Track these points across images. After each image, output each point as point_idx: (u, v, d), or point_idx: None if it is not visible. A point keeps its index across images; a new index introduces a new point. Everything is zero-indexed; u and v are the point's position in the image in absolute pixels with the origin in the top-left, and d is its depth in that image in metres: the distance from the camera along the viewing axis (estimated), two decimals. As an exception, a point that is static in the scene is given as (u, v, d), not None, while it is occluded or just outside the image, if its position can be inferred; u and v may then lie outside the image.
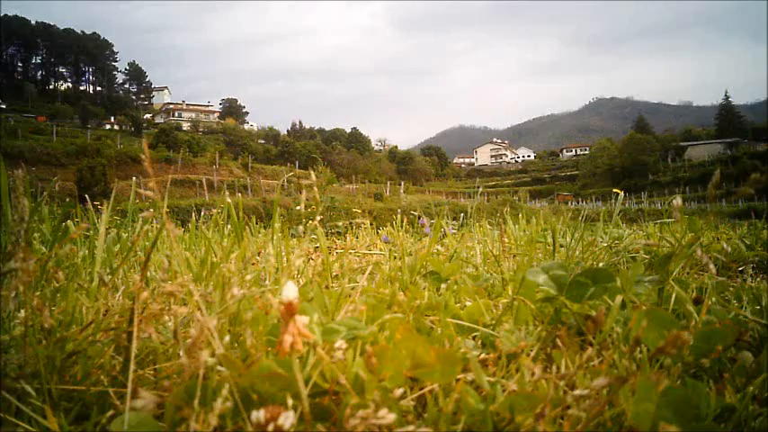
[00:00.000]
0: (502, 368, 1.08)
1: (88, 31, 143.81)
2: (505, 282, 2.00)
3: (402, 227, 4.68)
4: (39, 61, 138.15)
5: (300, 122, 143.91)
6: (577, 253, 2.75)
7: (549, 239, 2.93)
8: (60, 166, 49.98)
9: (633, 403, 0.80)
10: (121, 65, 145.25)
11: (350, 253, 3.78)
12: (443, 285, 2.03)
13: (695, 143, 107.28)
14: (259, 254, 2.96)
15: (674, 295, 1.35)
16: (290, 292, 0.77)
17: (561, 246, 2.86)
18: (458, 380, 0.93)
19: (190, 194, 42.01)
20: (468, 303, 1.52)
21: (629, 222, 6.22)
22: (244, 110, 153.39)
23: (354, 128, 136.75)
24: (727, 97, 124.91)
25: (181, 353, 0.97)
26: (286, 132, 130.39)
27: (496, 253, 2.72)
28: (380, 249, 4.00)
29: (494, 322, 1.29)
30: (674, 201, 1.53)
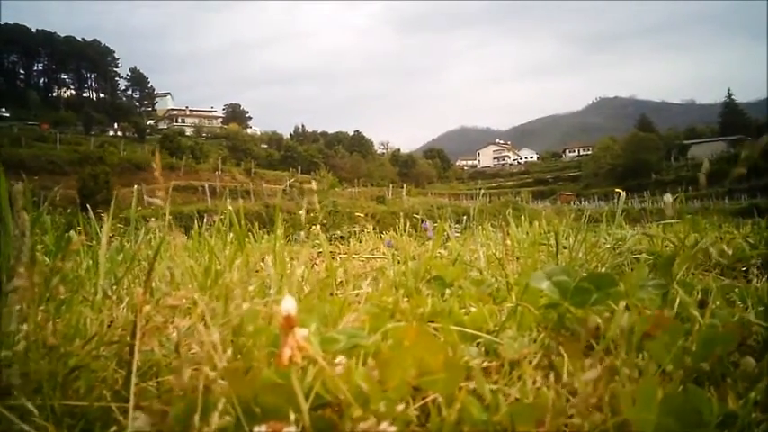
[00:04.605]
0: (504, 376, 1.08)
1: (89, 38, 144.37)
2: (510, 286, 2.00)
3: (405, 231, 4.68)
4: (41, 68, 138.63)
5: (303, 126, 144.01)
6: (581, 255, 2.75)
7: (553, 241, 2.93)
8: (63, 175, 50.01)
9: (635, 410, 0.80)
10: (123, 71, 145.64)
11: (353, 258, 3.78)
12: (447, 290, 2.02)
13: (698, 141, 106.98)
14: (263, 260, 2.95)
15: (677, 298, 1.35)
16: (289, 304, 0.78)
17: (564, 247, 2.86)
18: (460, 388, 0.93)
19: (192, 200, 42.00)
20: (472, 309, 1.52)
21: (633, 222, 6.19)
22: (247, 114, 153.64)
23: (357, 131, 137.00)
24: (730, 95, 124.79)
25: (183, 366, 0.97)
26: (289, 136, 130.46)
27: (500, 256, 2.72)
28: (384, 254, 4.00)
29: (497, 329, 1.29)
30: (664, 197, 1.53)
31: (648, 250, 3.02)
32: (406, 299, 1.84)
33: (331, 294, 2.09)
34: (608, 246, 3.05)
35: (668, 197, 1.66)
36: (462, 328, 1.27)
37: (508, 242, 2.96)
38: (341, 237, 7.02)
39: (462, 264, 2.72)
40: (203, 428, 0.76)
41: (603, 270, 2.65)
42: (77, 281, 1.54)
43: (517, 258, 2.91)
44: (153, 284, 1.91)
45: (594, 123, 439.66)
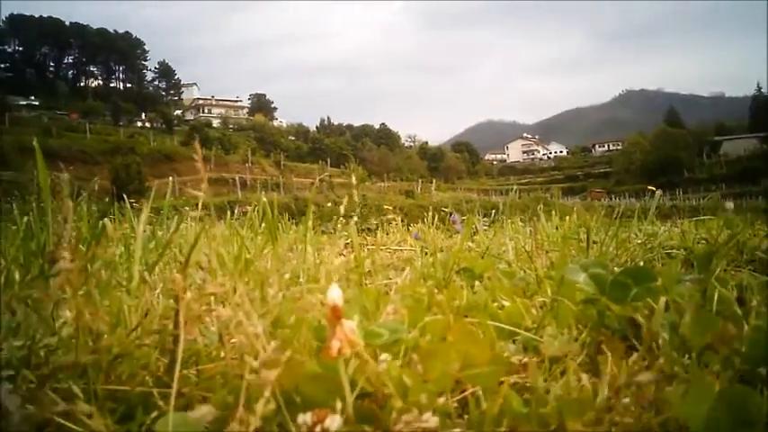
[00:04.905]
0: (545, 372, 1.07)
1: (120, 30, 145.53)
2: (539, 279, 1.99)
3: (433, 224, 4.68)
4: (70, 60, 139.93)
5: (329, 118, 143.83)
6: (611, 249, 2.73)
7: (583, 236, 2.92)
8: (95, 164, 50.53)
9: (687, 405, 0.78)
10: (151, 64, 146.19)
11: (381, 249, 3.78)
12: (477, 283, 2.02)
13: (730, 138, 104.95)
14: (291, 250, 2.97)
15: (716, 295, 1.32)
16: (335, 294, 0.77)
17: (594, 242, 2.83)
18: (501, 382, 0.93)
19: (223, 192, 42.19)
20: (504, 302, 1.51)
21: (663, 218, 6.11)
22: (272, 105, 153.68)
23: (383, 124, 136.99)
24: (759, 88, 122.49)
25: (223, 354, 0.97)
26: (315, 129, 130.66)
27: (529, 249, 2.71)
28: (411, 246, 4.00)
29: (535, 325, 1.28)
30: (726, 204, 1.52)
31: (680, 246, 2.99)
32: (437, 290, 1.84)
33: (360, 285, 2.10)
34: (639, 241, 3.02)
35: (730, 204, 1.67)
36: (500, 324, 1.26)
37: (538, 236, 2.95)
38: (368, 228, 7.02)
39: (491, 256, 2.71)
40: (245, 415, 0.76)
41: (637, 261, 2.63)
42: (112, 267, 1.55)
43: (546, 252, 2.89)
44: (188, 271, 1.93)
45: (621, 116, 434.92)
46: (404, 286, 1.68)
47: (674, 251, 2.85)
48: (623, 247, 2.76)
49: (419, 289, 1.47)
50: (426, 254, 3.09)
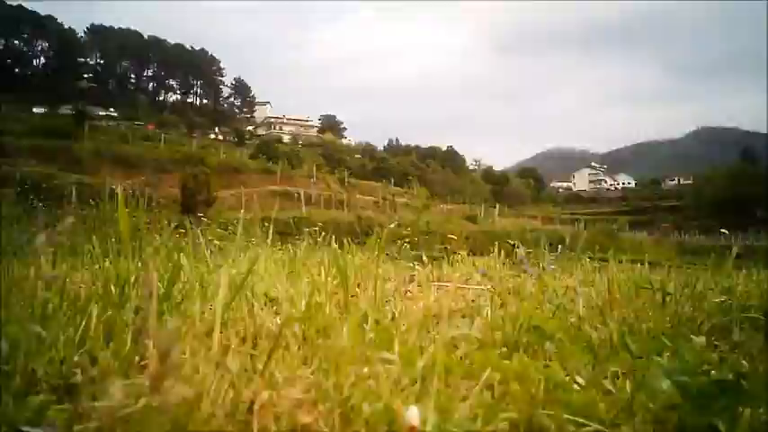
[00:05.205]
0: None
1: (197, 47, 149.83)
2: (612, 343, 1.95)
3: (498, 257, 4.67)
4: (150, 74, 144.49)
5: (397, 139, 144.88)
6: (686, 308, 2.68)
7: (656, 285, 2.88)
8: (166, 172, 51.71)
9: None
10: (227, 79, 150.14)
11: (446, 286, 3.77)
12: (548, 343, 1.98)
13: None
14: (358, 285, 2.99)
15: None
16: (413, 415, 0.79)
17: (668, 293, 2.78)
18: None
19: (288, 206, 42.66)
20: (578, 378, 1.48)
21: (735, 260, 5.92)
22: (342, 125, 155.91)
23: (450, 146, 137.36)
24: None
25: None
26: (383, 148, 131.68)
27: (601, 303, 2.68)
28: (478, 283, 3.98)
29: (610, 416, 1.24)
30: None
31: (759, 306, 2.91)
32: (506, 348, 1.82)
33: (428, 332, 2.10)
34: (715, 300, 2.95)
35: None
36: (575, 418, 1.23)
37: (610, 289, 2.89)
38: (433, 257, 7.02)
39: (562, 309, 2.67)
40: None
41: (714, 322, 2.56)
42: (190, 323, 1.55)
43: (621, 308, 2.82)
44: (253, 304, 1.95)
45: (694, 152, 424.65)
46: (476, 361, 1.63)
47: (752, 314, 2.77)
48: (699, 308, 2.70)
49: (493, 374, 1.43)
50: (494, 293, 3.08)
